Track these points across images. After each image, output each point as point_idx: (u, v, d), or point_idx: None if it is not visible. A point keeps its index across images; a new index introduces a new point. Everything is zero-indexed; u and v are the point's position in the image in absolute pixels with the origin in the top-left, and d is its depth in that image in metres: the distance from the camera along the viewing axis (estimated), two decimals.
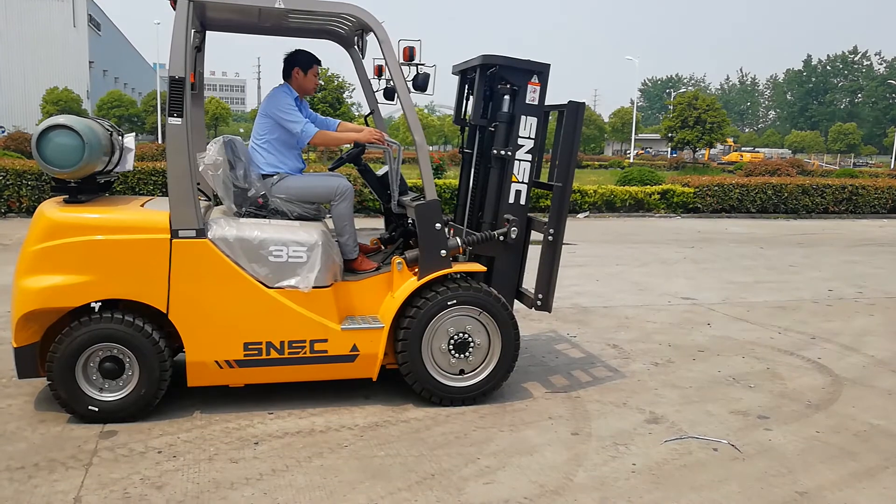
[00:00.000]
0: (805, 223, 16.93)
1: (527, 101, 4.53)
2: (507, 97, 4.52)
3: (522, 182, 4.59)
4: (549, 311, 4.74)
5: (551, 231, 4.56)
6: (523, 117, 4.54)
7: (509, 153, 4.55)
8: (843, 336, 6.39)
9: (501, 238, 4.56)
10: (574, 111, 4.56)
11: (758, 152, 60.23)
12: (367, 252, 4.83)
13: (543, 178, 4.99)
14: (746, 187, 17.88)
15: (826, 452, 3.89)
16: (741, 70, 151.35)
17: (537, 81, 4.53)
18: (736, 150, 64.04)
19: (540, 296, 4.62)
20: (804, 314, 7.23)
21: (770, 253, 11.55)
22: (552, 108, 4.80)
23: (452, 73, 5.09)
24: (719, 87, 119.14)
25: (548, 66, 4.54)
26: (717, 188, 17.69)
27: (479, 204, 4.79)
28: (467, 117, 4.89)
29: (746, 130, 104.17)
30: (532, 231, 4.83)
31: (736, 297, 8.00)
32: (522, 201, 4.61)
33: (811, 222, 17.20)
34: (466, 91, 4.97)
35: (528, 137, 4.56)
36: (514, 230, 4.55)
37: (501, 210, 4.61)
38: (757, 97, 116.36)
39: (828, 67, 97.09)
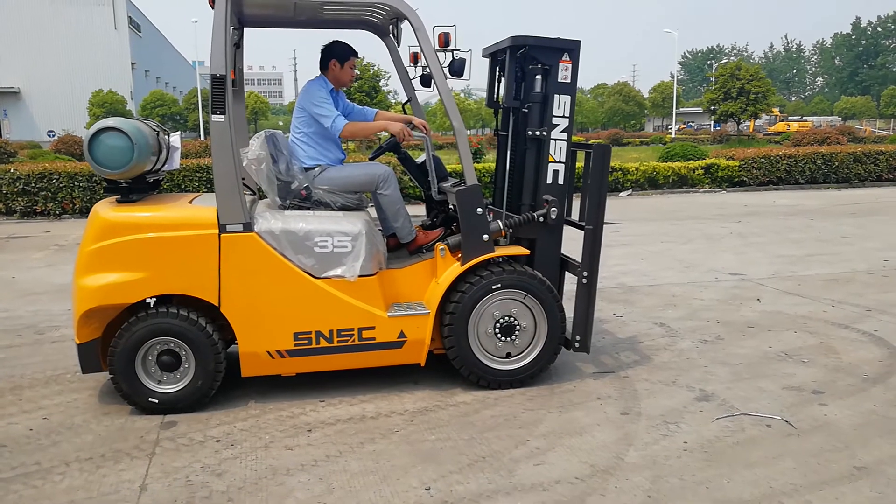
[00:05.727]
0: (857, 192, 16.41)
1: (559, 80, 4.48)
2: (538, 77, 4.48)
3: (559, 161, 4.56)
4: (588, 353, 4.67)
5: (585, 274, 4.50)
6: (556, 96, 4.49)
7: (545, 133, 4.52)
8: None
9: (541, 219, 4.55)
10: (601, 153, 4.50)
11: (805, 121, 58.46)
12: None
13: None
14: (794, 158, 17.38)
15: (884, 426, 3.81)
16: (786, 37, 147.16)
17: (568, 59, 4.48)
18: (782, 120, 62.15)
19: (578, 337, 4.57)
20: (858, 286, 7.04)
21: (821, 224, 11.25)
22: (580, 147, 4.76)
23: (482, 56, 5.06)
24: (763, 55, 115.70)
25: (578, 42, 4.49)
26: (763, 160, 17.23)
27: (518, 186, 4.78)
28: (500, 100, 4.87)
29: (793, 99, 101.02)
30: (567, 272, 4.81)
31: (786, 270, 7.82)
32: (560, 181, 4.58)
33: (864, 191, 16.66)
34: (498, 73, 4.95)
35: (563, 116, 4.52)
36: (553, 210, 4.52)
37: (540, 191, 4.59)
38: (803, 64, 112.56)
39: (878, 29, 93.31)
